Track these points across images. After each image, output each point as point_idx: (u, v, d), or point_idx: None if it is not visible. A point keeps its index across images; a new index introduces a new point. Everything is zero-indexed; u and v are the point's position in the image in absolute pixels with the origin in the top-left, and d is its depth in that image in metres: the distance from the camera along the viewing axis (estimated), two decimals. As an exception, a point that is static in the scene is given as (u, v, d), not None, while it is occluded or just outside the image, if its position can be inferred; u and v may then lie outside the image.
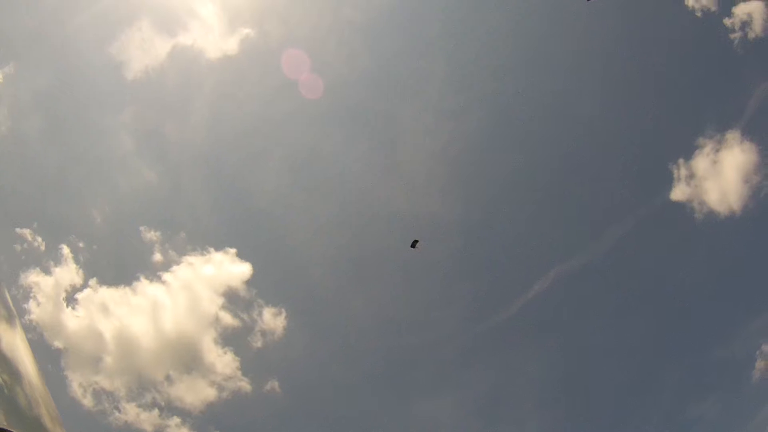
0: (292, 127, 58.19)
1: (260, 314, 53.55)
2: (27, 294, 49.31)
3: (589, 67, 57.04)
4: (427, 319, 57.40)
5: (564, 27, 55.96)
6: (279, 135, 58.80)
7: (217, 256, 54.00)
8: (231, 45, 57.03)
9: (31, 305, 49.07)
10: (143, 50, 56.11)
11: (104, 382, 48.47)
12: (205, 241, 58.52)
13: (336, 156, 57.63)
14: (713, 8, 52.86)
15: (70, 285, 50.63)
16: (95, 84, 56.98)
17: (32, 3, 53.65)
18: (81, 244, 52.52)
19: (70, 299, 50.31)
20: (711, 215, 52.66)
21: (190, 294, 53.94)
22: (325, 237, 57.75)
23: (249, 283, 53.24)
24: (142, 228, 54.46)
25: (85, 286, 51.06)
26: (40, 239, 50.78)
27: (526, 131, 57.73)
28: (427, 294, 57.85)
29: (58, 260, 50.93)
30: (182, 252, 54.25)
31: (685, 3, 53.03)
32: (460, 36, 56.63)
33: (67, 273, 50.87)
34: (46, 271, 50.27)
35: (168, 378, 50.13)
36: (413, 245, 39.42)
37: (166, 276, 53.28)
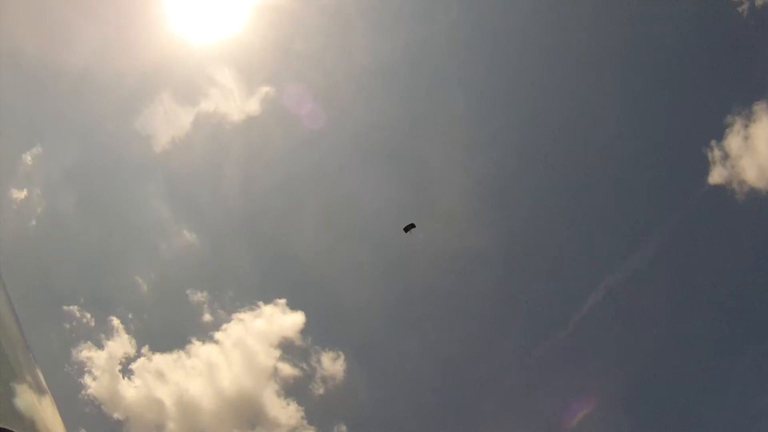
0: (322, 177, 60.23)
1: (318, 361, 53.22)
2: (81, 369, 49.21)
3: (601, 71, 56.43)
4: (483, 352, 56.58)
5: (573, 30, 56.65)
6: (310, 185, 60.49)
7: (267, 309, 54.73)
8: (252, 106, 59.67)
9: (87, 380, 49.01)
10: (167, 122, 57.21)
11: (168, 448, 48.49)
12: (253, 296, 58.37)
13: (370, 201, 58.83)
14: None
15: (124, 356, 50.11)
16: (123, 159, 58.41)
17: (50, 84, 55.16)
18: (130, 315, 52.55)
19: (126, 370, 49.82)
20: (752, 193, 52.02)
21: (245, 350, 53.62)
22: (370, 279, 57.88)
23: (303, 331, 53.75)
24: (188, 291, 55.28)
25: (138, 355, 50.42)
26: (88, 315, 50.99)
27: (552, 145, 57.94)
28: (479, 327, 57.09)
29: (109, 333, 51.00)
30: (232, 310, 54.51)
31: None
32: (478, 69, 58.50)
33: (120, 344, 50.59)
34: (98, 345, 50.19)
35: (233, 437, 50.02)
36: (407, 229, 36.40)
37: (218, 335, 53.31)
